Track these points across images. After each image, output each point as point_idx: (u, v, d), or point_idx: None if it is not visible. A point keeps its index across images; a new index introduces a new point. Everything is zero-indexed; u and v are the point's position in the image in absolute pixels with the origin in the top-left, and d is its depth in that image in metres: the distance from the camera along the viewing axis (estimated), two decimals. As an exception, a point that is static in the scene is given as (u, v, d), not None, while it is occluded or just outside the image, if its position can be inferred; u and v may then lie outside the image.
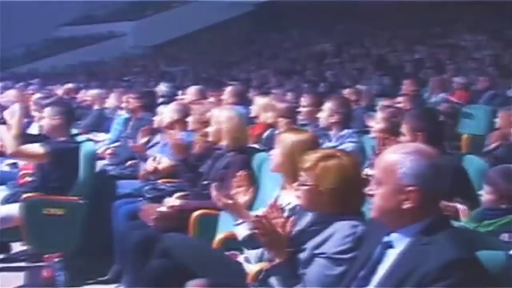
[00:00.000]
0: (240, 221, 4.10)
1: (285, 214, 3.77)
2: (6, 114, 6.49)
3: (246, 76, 18.36)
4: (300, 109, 7.34)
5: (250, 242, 3.93)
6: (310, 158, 3.51)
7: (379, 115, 5.76)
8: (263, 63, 21.60)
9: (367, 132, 6.52)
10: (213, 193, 4.25)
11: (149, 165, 6.43)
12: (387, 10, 27.26)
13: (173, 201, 5.38)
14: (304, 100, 7.39)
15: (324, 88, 12.73)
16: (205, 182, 5.44)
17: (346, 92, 9.89)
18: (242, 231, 4.06)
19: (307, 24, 29.02)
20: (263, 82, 16.24)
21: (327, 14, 29.34)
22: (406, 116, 5.10)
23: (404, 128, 4.98)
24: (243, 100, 9.25)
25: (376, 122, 5.71)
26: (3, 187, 6.75)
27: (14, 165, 7.59)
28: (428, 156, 2.85)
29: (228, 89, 9.56)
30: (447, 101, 10.38)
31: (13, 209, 5.98)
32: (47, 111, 6.29)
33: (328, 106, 6.43)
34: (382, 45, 20.40)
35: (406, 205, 2.81)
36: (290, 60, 20.92)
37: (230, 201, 4.18)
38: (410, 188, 2.79)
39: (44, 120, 6.31)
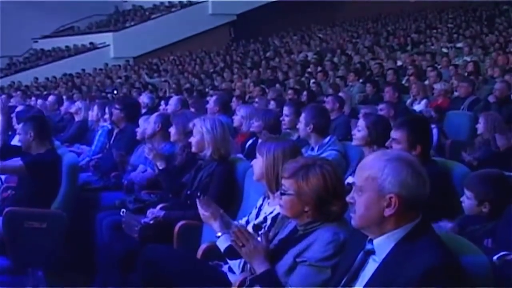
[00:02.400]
0: (220, 233, 4.09)
1: (267, 223, 3.78)
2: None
3: (228, 86, 18.34)
4: (282, 118, 7.35)
5: (232, 253, 3.92)
6: (291, 166, 3.51)
7: (361, 123, 5.76)
8: (245, 72, 21.60)
9: (350, 140, 6.53)
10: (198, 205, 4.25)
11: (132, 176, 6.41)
12: (368, 18, 27.38)
13: (156, 212, 5.36)
14: (286, 109, 7.39)
15: (306, 96, 12.70)
16: (188, 193, 5.44)
17: (331, 99, 9.88)
18: (223, 242, 4.05)
19: (289, 32, 29.11)
20: (245, 92, 16.24)
21: (309, 22, 29.46)
22: (401, 127, 5.04)
23: (400, 137, 4.94)
24: (225, 109, 9.25)
25: (358, 130, 5.71)
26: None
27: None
28: (408, 163, 2.85)
29: (211, 99, 9.56)
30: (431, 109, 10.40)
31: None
32: (20, 127, 6.27)
33: (303, 115, 6.45)
34: (363, 53, 20.45)
35: (387, 212, 2.81)
36: (272, 69, 20.92)
37: (207, 213, 4.17)
38: (390, 195, 2.79)
39: (20, 136, 6.30)
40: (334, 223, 3.39)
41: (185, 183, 5.64)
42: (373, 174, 2.84)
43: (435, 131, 9.12)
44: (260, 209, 4.27)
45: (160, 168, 5.99)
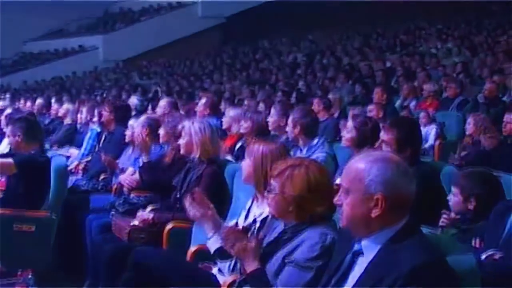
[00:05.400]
0: (211, 234, 4.09)
1: (256, 225, 3.80)
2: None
3: (218, 88, 18.35)
4: (269, 119, 7.35)
5: (222, 254, 3.93)
6: (277, 166, 3.54)
7: (350, 124, 5.78)
8: (235, 74, 21.61)
9: (339, 141, 6.55)
10: (186, 204, 4.23)
11: (126, 180, 6.42)
12: (357, 19, 27.43)
13: (145, 214, 5.36)
14: (273, 111, 7.40)
15: (296, 98, 12.73)
16: (178, 195, 5.45)
17: (317, 101, 9.91)
18: (213, 243, 4.06)
19: (278, 34, 29.12)
20: (235, 93, 16.25)
21: (298, 24, 29.46)
22: (390, 129, 5.05)
23: (389, 140, 4.96)
24: (215, 111, 9.26)
25: (347, 131, 5.73)
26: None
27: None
28: (394, 163, 2.86)
29: (200, 101, 9.57)
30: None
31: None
32: (9, 129, 6.26)
33: (291, 117, 6.46)
34: (353, 54, 20.47)
35: (375, 213, 2.82)
36: (262, 70, 20.94)
37: (198, 214, 4.16)
38: (377, 195, 2.80)
39: (9, 137, 6.29)
40: (322, 224, 3.41)
41: (174, 185, 5.64)
42: (359, 175, 2.85)
43: (434, 131, 9.18)
44: (249, 211, 4.28)
45: (144, 162, 6.00)
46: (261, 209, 4.07)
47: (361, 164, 2.88)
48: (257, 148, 4.23)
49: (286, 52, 24.56)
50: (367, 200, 2.82)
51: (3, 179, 6.44)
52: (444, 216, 4.44)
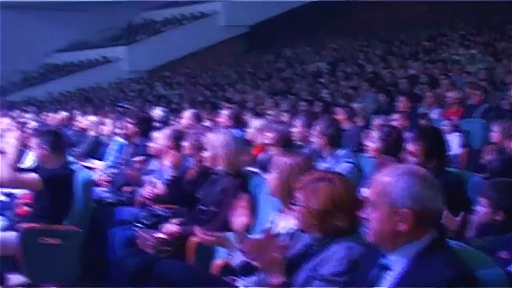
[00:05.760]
0: (234, 247, 4.08)
1: (281, 237, 3.78)
2: (2, 142, 6.49)
3: (241, 98, 18.35)
4: (293, 130, 7.33)
5: (247, 269, 3.92)
6: (302, 179, 3.54)
7: (374, 134, 5.75)
8: (258, 84, 21.61)
9: (363, 151, 6.52)
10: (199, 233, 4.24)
11: (146, 191, 6.42)
12: (379, 27, 27.34)
13: (170, 227, 5.36)
14: (297, 121, 7.38)
15: (319, 107, 12.69)
16: (202, 207, 5.44)
17: (340, 110, 9.88)
18: (236, 259, 4.05)
19: (300, 43, 29.09)
20: (258, 103, 16.25)
21: (320, 32, 29.43)
22: (416, 139, 5.01)
23: (415, 150, 4.92)
24: (238, 123, 9.26)
25: (372, 142, 5.70)
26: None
27: (10, 194, 7.56)
28: (421, 177, 2.84)
29: (224, 112, 9.57)
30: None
31: (9, 237, 5.96)
32: (36, 141, 6.29)
33: (316, 128, 6.44)
34: (375, 62, 20.40)
35: (402, 227, 2.80)
36: (284, 80, 20.92)
37: (213, 238, 4.17)
38: (404, 210, 2.78)
39: (35, 150, 6.32)
40: (348, 238, 3.39)
41: (199, 197, 5.64)
42: (386, 189, 2.84)
43: (458, 139, 9.10)
44: (274, 224, 4.26)
45: (170, 178, 6.00)
46: (286, 222, 4.06)
47: (387, 178, 2.86)
48: (282, 160, 4.23)
49: (309, 61, 24.52)
50: (394, 215, 2.80)
51: (29, 193, 6.48)
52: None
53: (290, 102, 14.64)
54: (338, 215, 3.41)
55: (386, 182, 2.85)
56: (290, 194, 3.94)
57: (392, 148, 5.50)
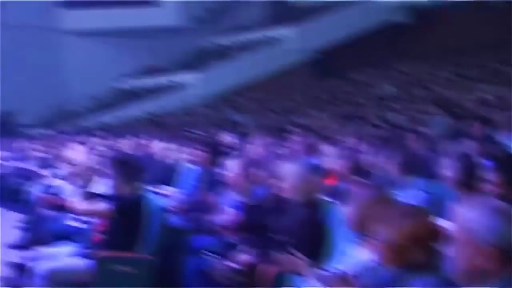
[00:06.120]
0: (310, 280, 4.06)
1: (358, 271, 3.73)
2: (73, 168, 6.59)
3: (312, 123, 18.34)
4: (365, 157, 7.26)
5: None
6: (380, 212, 3.50)
7: (450, 162, 5.63)
8: (328, 108, 21.59)
9: (436, 178, 6.40)
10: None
11: (218, 219, 6.44)
12: (447, 49, 27.08)
13: (243, 256, 5.35)
14: (369, 148, 7.32)
15: (387, 131, 12.61)
16: (276, 237, 5.41)
17: (411, 136, 9.77)
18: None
19: (367, 66, 28.98)
20: (329, 129, 16.21)
21: (387, 55, 29.28)
22: (495, 168, 4.88)
23: (494, 179, 4.80)
24: (310, 149, 9.21)
25: (447, 169, 5.58)
26: (69, 243, 6.83)
27: (82, 220, 7.65)
28: (504, 213, 2.78)
29: (295, 138, 9.55)
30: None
31: (81, 265, 6.04)
32: (107, 169, 6.36)
33: (389, 155, 6.37)
34: (444, 85, 20.21)
35: (485, 265, 2.74)
36: (352, 103, 20.89)
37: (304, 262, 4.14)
38: (488, 247, 2.72)
39: (107, 177, 6.39)
40: (428, 272, 3.33)
41: (273, 227, 5.61)
42: (468, 224, 2.78)
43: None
44: (350, 256, 4.22)
45: (242, 206, 6.00)
46: (363, 255, 4.01)
47: (470, 213, 2.80)
48: (359, 192, 4.19)
49: (377, 84, 24.42)
50: (478, 252, 2.74)
51: (104, 220, 6.55)
52: None
53: (358, 127, 14.59)
54: (417, 248, 3.35)
55: (470, 218, 2.79)
56: (367, 227, 3.90)
57: (467, 177, 5.38)
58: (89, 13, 35.18)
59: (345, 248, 4.37)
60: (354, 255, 4.13)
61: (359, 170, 6.99)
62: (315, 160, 8.20)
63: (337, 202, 5.59)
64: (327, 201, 5.80)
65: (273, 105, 26.42)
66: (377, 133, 12.45)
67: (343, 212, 4.32)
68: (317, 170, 6.81)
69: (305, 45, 32.61)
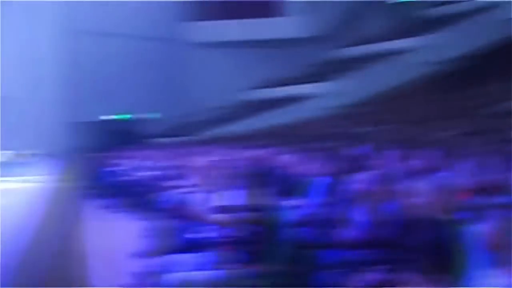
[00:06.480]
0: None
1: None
2: (203, 178, 6.63)
3: (442, 136, 17.97)
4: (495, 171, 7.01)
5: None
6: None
7: None
8: (455, 122, 21.13)
9: None
10: None
11: (349, 233, 6.35)
12: None
13: (378, 274, 5.24)
14: (502, 165, 7.05)
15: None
16: (407, 254, 5.28)
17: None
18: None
19: (494, 80, 28.14)
20: (458, 143, 15.81)
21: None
22: None
23: None
24: (444, 164, 8.98)
25: None
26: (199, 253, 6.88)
27: (212, 230, 7.69)
28: None
29: (430, 153, 9.34)
30: None
31: (210, 275, 6.06)
32: (237, 180, 6.38)
33: None
34: None
35: None
36: (487, 117, 20.35)
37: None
38: None
39: (235, 189, 6.42)
40: None
41: (403, 244, 5.48)
42: None
43: None
44: (492, 280, 4.04)
45: (373, 221, 5.90)
46: (505, 279, 3.84)
47: None
48: (497, 211, 4.03)
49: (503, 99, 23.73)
50: None
51: (233, 231, 6.57)
52: None
53: (488, 142, 14.16)
54: None
55: None
56: (508, 248, 3.74)
57: None
58: (216, 25, 35.80)
59: (483, 271, 4.19)
60: (495, 279, 3.97)
61: (493, 186, 6.75)
62: (448, 176, 7.99)
63: (472, 220, 5.41)
64: (462, 219, 5.63)
65: (406, 117, 26.02)
66: (507, 148, 11.98)
67: (480, 232, 4.15)
68: (452, 185, 6.63)
69: (431, 57, 32.11)
